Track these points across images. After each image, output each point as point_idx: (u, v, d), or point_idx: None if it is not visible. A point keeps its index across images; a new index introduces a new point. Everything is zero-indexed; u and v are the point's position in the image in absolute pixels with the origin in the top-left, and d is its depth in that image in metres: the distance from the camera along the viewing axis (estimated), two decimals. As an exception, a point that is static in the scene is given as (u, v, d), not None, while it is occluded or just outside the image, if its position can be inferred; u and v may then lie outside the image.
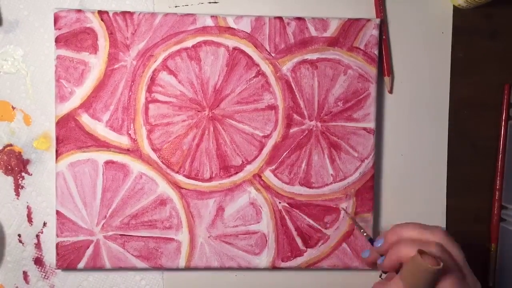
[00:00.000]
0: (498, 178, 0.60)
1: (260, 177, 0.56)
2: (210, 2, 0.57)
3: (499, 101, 0.60)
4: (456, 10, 0.59)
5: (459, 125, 0.60)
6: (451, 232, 0.59)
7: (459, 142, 0.60)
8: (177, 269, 0.57)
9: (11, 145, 0.55)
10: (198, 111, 0.55)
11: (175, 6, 0.56)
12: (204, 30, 0.54)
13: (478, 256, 0.60)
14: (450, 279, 0.42)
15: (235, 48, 0.55)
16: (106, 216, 0.54)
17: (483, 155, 0.60)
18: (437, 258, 0.41)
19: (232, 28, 0.54)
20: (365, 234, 0.52)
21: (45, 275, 0.56)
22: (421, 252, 0.41)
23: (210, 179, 0.55)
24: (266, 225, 0.56)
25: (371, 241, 0.50)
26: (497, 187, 0.60)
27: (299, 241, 0.56)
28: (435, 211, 0.59)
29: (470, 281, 0.45)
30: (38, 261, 0.56)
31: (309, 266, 0.56)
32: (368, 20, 0.56)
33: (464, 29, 0.59)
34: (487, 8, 0.59)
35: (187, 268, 0.56)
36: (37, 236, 0.56)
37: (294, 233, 0.56)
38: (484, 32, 0.60)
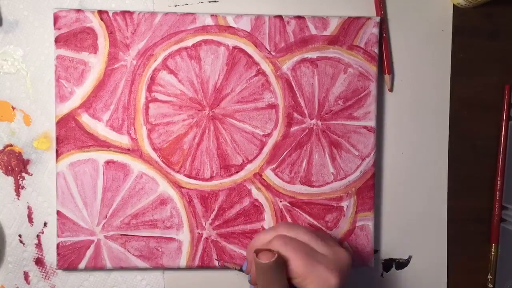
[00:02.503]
0: (498, 178, 0.59)
1: (261, 176, 0.55)
2: (210, 1, 0.57)
3: (499, 101, 0.60)
4: (456, 9, 0.59)
5: (459, 125, 0.60)
6: (452, 232, 0.59)
7: (459, 142, 0.60)
8: (178, 269, 0.57)
9: (11, 145, 0.55)
10: (199, 110, 0.55)
11: (175, 5, 0.56)
12: (204, 29, 0.54)
13: (478, 256, 0.60)
14: (296, 260, 0.45)
15: (235, 47, 0.55)
16: (106, 216, 0.54)
17: (484, 155, 0.60)
18: (274, 251, 0.44)
19: (232, 27, 0.54)
20: (234, 268, 0.54)
21: (46, 275, 0.56)
22: (257, 252, 0.44)
23: (211, 178, 0.55)
24: (267, 224, 0.56)
25: (241, 269, 0.54)
26: (498, 187, 0.60)
27: (300, 240, 0.56)
28: (436, 210, 0.59)
29: (323, 251, 0.46)
30: (39, 261, 0.56)
31: (310, 265, 0.56)
32: (368, 18, 0.56)
33: (464, 29, 0.59)
34: (487, 8, 0.59)
35: (188, 268, 0.56)
36: (38, 236, 0.56)
37: (295, 232, 0.56)
38: (484, 32, 0.60)
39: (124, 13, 0.54)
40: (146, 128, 0.54)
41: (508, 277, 0.58)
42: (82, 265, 0.54)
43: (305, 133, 0.56)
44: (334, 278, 0.45)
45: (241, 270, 0.54)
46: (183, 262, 0.55)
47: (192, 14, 0.54)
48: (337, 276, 0.45)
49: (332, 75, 0.55)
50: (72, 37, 0.53)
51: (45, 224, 0.56)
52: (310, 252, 0.46)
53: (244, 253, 0.55)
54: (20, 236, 0.56)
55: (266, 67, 0.55)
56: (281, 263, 0.44)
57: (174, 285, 0.57)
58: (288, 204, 0.56)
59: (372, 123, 0.56)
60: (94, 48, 0.54)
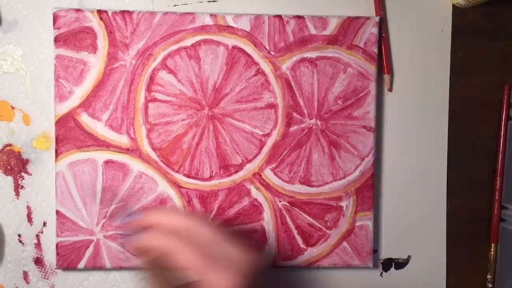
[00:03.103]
0: (498, 178, 0.59)
1: (260, 175, 0.55)
2: (209, 1, 0.57)
3: (499, 101, 0.60)
4: (456, 9, 0.59)
5: (459, 125, 0.59)
6: (451, 232, 0.59)
7: (458, 142, 0.60)
8: (178, 269, 0.57)
9: (10, 145, 0.55)
10: (198, 110, 0.55)
11: (174, 5, 0.56)
12: (203, 29, 0.54)
13: (477, 256, 0.60)
14: (189, 253, 0.42)
15: (234, 47, 0.55)
16: (106, 215, 0.54)
17: (483, 155, 0.60)
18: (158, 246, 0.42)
19: (231, 26, 0.54)
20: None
21: (45, 275, 0.56)
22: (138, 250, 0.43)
23: (210, 178, 0.55)
24: (266, 224, 0.56)
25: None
26: (497, 187, 0.59)
27: (299, 239, 0.56)
28: (435, 210, 0.59)
29: (203, 231, 0.44)
30: (38, 261, 0.56)
31: (310, 265, 0.56)
32: (368, 18, 0.55)
33: (464, 29, 0.59)
34: (487, 7, 0.59)
35: (188, 268, 0.56)
36: (37, 236, 0.56)
37: (295, 231, 0.56)
38: (483, 32, 0.59)
39: (123, 12, 0.54)
40: (145, 127, 0.54)
41: (507, 277, 0.58)
42: (81, 264, 0.54)
43: (304, 132, 0.56)
44: (233, 282, 0.42)
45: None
46: (182, 261, 0.55)
47: (192, 13, 0.54)
48: (237, 280, 0.42)
49: (332, 75, 0.55)
50: (72, 36, 0.53)
51: (44, 224, 0.56)
52: (206, 255, 0.43)
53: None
54: (19, 235, 0.56)
55: (265, 66, 0.55)
56: (159, 263, 0.43)
57: (173, 285, 0.57)
58: (288, 204, 0.56)
59: (371, 123, 0.56)
60: (93, 48, 0.54)
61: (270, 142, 0.55)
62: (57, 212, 0.54)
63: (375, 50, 0.56)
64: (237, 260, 0.44)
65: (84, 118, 0.54)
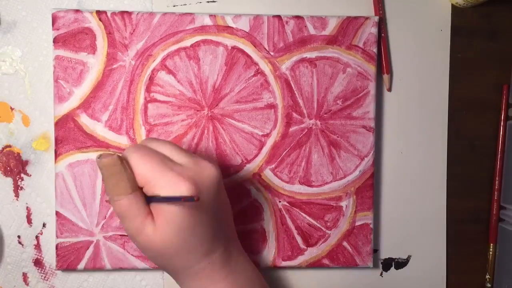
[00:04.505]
0: (497, 178, 0.60)
1: (260, 176, 0.55)
2: (208, 1, 0.57)
3: (498, 101, 0.60)
4: (455, 9, 0.59)
5: (458, 125, 0.60)
6: (450, 232, 0.59)
7: (458, 142, 0.60)
8: (177, 269, 0.57)
9: (10, 146, 0.55)
10: (197, 111, 0.55)
11: (173, 6, 0.56)
12: (203, 29, 0.54)
13: (477, 256, 0.60)
14: (141, 165, 0.43)
15: (233, 47, 0.55)
16: (106, 216, 0.54)
17: (482, 155, 0.60)
18: (116, 153, 0.43)
19: (230, 27, 0.54)
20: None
21: (45, 276, 0.56)
22: (100, 155, 0.43)
23: (210, 178, 0.55)
24: (266, 224, 0.56)
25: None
26: (496, 187, 0.60)
27: (299, 239, 0.56)
28: (435, 209, 0.59)
29: (182, 161, 0.44)
30: (38, 262, 0.56)
31: (310, 265, 0.56)
32: (367, 18, 0.56)
33: (463, 29, 0.59)
34: (486, 7, 0.59)
35: (188, 268, 0.56)
36: (37, 237, 0.56)
37: (295, 232, 0.56)
38: (483, 32, 0.60)
39: (122, 13, 0.54)
40: (145, 128, 0.54)
41: (506, 277, 0.58)
42: (81, 265, 0.54)
43: (304, 133, 0.56)
44: (185, 185, 0.42)
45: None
46: (182, 262, 0.55)
47: (191, 14, 0.54)
48: (189, 183, 0.42)
49: (331, 75, 0.55)
50: (71, 37, 0.53)
51: (44, 225, 0.56)
52: (163, 160, 0.43)
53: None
54: (19, 237, 0.56)
55: (265, 67, 0.55)
56: (123, 167, 0.42)
57: (173, 286, 0.57)
58: (287, 204, 0.56)
59: (371, 122, 0.56)
60: (92, 49, 0.54)
61: (269, 142, 0.55)
62: (57, 213, 0.54)
63: (375, 50, 0.56)
64: (196, 171, 0.43)
65: (84, 119, 0.54)
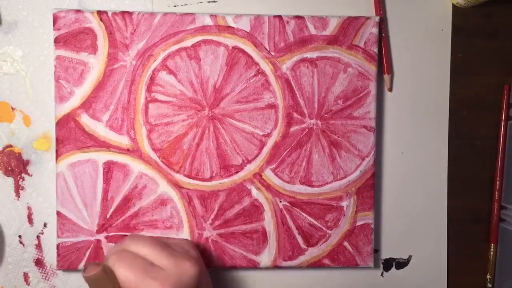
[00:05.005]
0: (497, 178, 0.60)
1: (261, 176, 0.55)
2: (209, 1, 0.57)
3: (499, 101, 0.60)
4: (456, 9, 0.59)
5: (459, 125, 0.60)
6: (451, 232, 0.59)
7: (458, 142, 0.60)
8: (178, 269, 0.57)
9: (11, 146, 0.55)
10: (198, 111, 0.55)
11: (174, 6, 0.56)
12: (203, 29, 0.54)
13: (477, 256, 0.60)
14: (126, 275, 0.44)
15: (234, 47, 0.55)
16: (106, 216, 0.54)
17: (483, 155, 0.60)
18: (101, 265, 0.45)
19: (231, 27, 0.54)
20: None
21: (46, 276, 0.56)
22: (86, 266, 0.44)
23: (211, 178, 0.55)
24: (267, 224, 0.56)
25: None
26: (497, 187, 0.60)
27: (300, 239, 0.56)
28: (435, 209, 0.59)
29: (164, 264, 0.46)
30: (39, 262, 0.56)
31: (311, 265, 0.56)
32: (368, 18, 0.56)
33: (464, 29, 0.59)
34: (487, 7, 0.59)
35: (188, 268, 0.56)
36: (38, 237, 0.56)
37: (295, 232, 0.56)
38: (483, 32, 0.60)
39: (123, 13, 0.54)
40: (145, 128, 0.54)
41: (507, 277, 0.58)
42: (82, 265, 0.54)
43: (304, 133, 0.56)
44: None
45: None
46: (183, 262, 0.55)
47: (192, 14, 0.54)
48: (164, 285, 0.44)
49: (332, 74, 0.55)
50: (72, 37, 0.53)
51: (45, 225, 0.56)
52: (146, 267, 0.45)
53: (244, 253, 0.55)
54: (20, 237, 0.56)
55: (265, 67, 0.55)
56: (109, 278, 0.44)
57: (174, 286, 0.57)
58: (288, 204, 0.56)
59: (371, 122, 0.56)
60: (93, 49, 0.54)
61: (270, 142, 0.55)
62: (58, 213, 0.54)
63: (375, 50, 0.56)
64: (177, 275, 0.46)
65: (85, 119, 0.54)
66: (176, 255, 0.47)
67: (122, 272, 0.45)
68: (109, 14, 0.54)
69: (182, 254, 0.48)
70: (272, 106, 0.55)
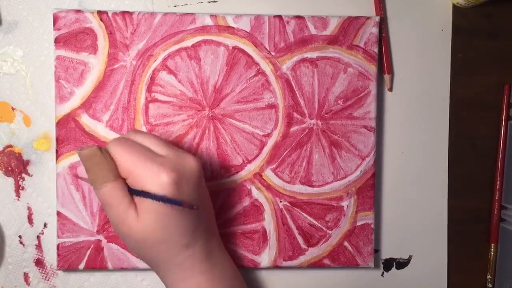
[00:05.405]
0: (498, 178, 0.60)
1: (261, 176, 0.55)
2: (209, 1, 0.57)
3: (499, 101, 0.60)
4: (456, 9, 0.59)
5: (459, 125, 0.60)
6: (451, 232, 0.59)
7: (459, 142, 0.60)
8: (178, 269, 0.57)
9: (11, 146, 0.55)
10: (198, 111, 0.55)
11: (174, 6, 0.56)
12: (204, 29, 0.54)
13: (477, 256, 0.60)
14: (123, 156, 0.44)
15: (234, 47, 0.55)
16: (107, 216, 0.54)
17: (483, 155, 0.60)
18: (96, 145, 0.44)
19: (231, 27, 0.54)
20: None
21: (46, 276, 0.56)
22: (79, 149, 0.44)
23: (211, 178, 0.55)
24: (267, 224, 0.56)
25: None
26: (497, 187, 0.60)
27: (300, 240, 0.56)
28: (436, 210, 0.59)
29: (164, 153, 0.45)
30: (39, 262, 0.56)
31: (311, 265, 0.56)
32: (368, 18, 0.56)
33: (464, 29, 0.59)
34: (487, 7, 0.59)
35: (189, 268, 0.56)
36: (38, 237, 0.56)
37: (296, 232, 0.56)
38: (484, 32, 0.60)
39: (123, 13, 0.54)
40: (146, 128, 0.54)
41: (507, 277, 0.58)
42: (82, 266, 0.54)
43: (305, 133, 0.56)
44: (166, 175, 0.43)
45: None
46: (183, 262, 0.55)
47: (192, 14, 0.54)
48: (171, 174, 0.43)
49: (332, 74, 0.55)
50: (72, 37, 0.53)
51: (45, 225, 0.56)
52: (145, 151, 0.44)
53: (246, 253, 0.55)
54: (20, 237, 0.56)
55: (265, 67, 0.55)
56: (105, 157, 0.44)
57: (174, 286, 0.57)
58: (288, 204, 0.56)
59: (372, 122, 0.56)
60: (93, 49, 0.54)
61: (270, 142, 0.55)
62: (58, 213, 0.54)
63: (376, 50, 0.56)
64: (178, 163, 0.44)
65: (85, 119, 0.54)
66: (178, 149, 0.46)
67: (120, 153, 0.44)
68: (109, 14, 0.54)
69: (184, 151, 0.47)
70: (272, 106, 0.55)
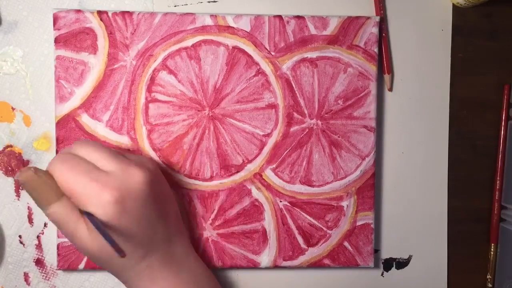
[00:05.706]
0: (498, 178, 0.60)
1: (261, 176, 0.55)
2: (209, 1, 0.57)
3: (499, 101, 0.60)
4: (456, 9, 0.59)
5: (459, 125, 0.60)
6: (451, 232, 0.59)
7: (459, 142, 0.60)
8: (178, 269, 0.57)
9: (11, 146, 0.55)
10: (198, 111, 0.55)
11: (175, 6, 0.56)
12: (204, 29, 0.54)
13: (477, 256, 0.60)
14: (63, 176, 0.43)
15: (234, 47, 0.55)
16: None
17: (483, 155, 0.60)
18: (33, 168, 0.43)
19: (231, 27, 0.54)
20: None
21: (46, 276, 0.56)
22: (20, 170, 0.44)
23: (211, 178, 0.55)
24: (267, 224, 0.56)
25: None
26: (497, 187, 0.60)
27: (300, 239, 0.56)
28: (436, 209, 0.59)
29: (110, 169, 0.44)
30: (39, 262, 0.56)
31: (311, 265, 0.56)
32: (368, 18, 0.56)
33: (464, 29, 0.59)
34: (487, 7, 0.59)
35: (189, 268, 0.56)
36: (38, 237, 0.56)
37: (295, 231, 0.56)
38: (484, 32, 0.60)
39: (123, 13, 0.54)
40: (146, 128, 0.54)
41: (507, 277, 0.58)
42: (82, 265, 0.54)
43: (305, 133, 0.56)
44: (109, 194, 0.42)
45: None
46: (183, 262, 0.55)
47: (192, 14, 0.54)
48: (113, 193, 0.42)
49: (332, 74, 0.55)
50: (72, 37, 0.53)
51: (45, 225, 0.56)
52: (89, 170, 0.43)
53: (245, 253, 0.55)
54: (20, 236, 0.56)
55: (265, 67, 0.55)
56: (45, 181, 0.43)
57: (174, 286, 0.57)
58: (288, 204, 0.56)
59: (372, 122, 0.56)
60: (93, 49, 0.54)
61: (270, 142, 0.55)
62: (58, 213, 0.54)
63: (376, 50, 0.56)
64: (122, 179, 0.44)
65: (85, 119, 0.54)
66: (126, 162, 0.45)
67: (60, 172, 0.43)
68: (109, 14, 0.54)
69: (134, 162, 0.46)
70: (272, 106, 0.55)
